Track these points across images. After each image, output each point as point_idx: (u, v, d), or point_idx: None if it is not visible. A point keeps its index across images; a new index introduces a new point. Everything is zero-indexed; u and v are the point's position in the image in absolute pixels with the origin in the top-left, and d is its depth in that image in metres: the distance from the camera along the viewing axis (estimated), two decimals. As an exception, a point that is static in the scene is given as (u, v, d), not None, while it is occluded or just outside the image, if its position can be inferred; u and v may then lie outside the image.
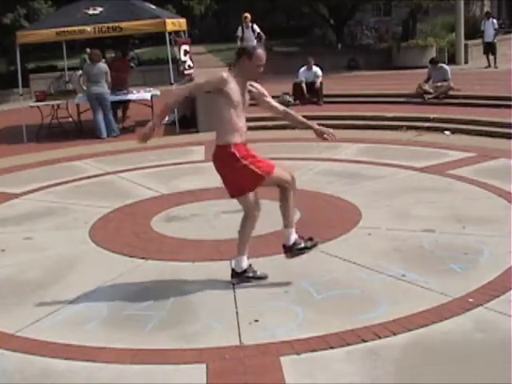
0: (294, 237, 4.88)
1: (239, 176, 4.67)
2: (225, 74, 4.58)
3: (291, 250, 4.90)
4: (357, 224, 6.21)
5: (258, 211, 4.85)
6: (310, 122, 5.01)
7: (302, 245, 4.89)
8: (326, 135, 4.93)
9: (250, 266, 4.95)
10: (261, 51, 4.63)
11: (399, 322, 4.16)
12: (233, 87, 4.57)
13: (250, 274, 4.92)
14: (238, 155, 4.59)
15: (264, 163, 4.72)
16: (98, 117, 12.16)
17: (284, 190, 4.78)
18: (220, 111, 4.62)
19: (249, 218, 4.83)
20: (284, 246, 4.93)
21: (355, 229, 6.10)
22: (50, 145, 11.72)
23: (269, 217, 6.58)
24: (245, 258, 4.91)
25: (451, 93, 12.85)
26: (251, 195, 4.77)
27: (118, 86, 12.69)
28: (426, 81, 13.31)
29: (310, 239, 4.93)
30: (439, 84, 13.03)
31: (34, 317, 4.56)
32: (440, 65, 13.46)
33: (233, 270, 4.93)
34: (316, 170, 8.61)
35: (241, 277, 4.90)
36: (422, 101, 12.87)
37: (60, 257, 5.80)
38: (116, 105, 13.13)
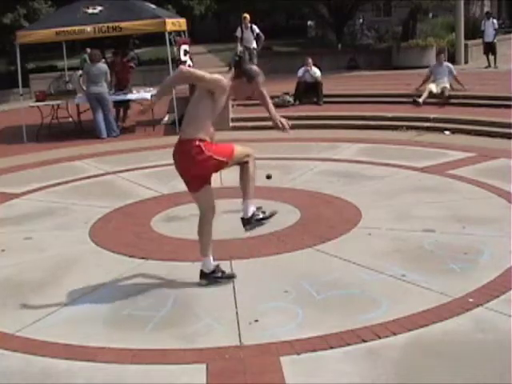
0: (252, 208, 4.87)
1: (201, 168, 4.71)
2: (226, 82, 4.66)
3: (250, 222, 4.90)
4: (357, 224, 6.21)
5: (213, 211, 4.88)
6: (272, 113, 5.06)
7: (261, 215, 4.90)
8: (280, 126, 5.04)
9: (218, 266, 4.96)
10: (261, 79, 4.77)
11: (399, 322, 4.16)
12: (224, 96, 4.69)
13: (219, 274, 4.94)
14: (203, 147, 4.63)
15: (225, 148, 4.78)
16: (97, 117, 12.16)
17: (244, 165, 4.82)
18: (199, 109, 4.66)
19: (205, 217, 4.88)
20: (242, 219, 4.92)
21: (355, 229, 6.10)
22: (50, 145, 11.71)
23: (269, 217, 6.61)
24: (210, 259, 4.92)
25: (451, 93, 12.82)
26: (210, 191, 4.83)
27: (119, 86, 12.69)
28: (425, 81, 13.23)
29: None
30: (446, 85, 12.88)
31: (34, 317, 4.56)
32: (445, 63, 13.37)
33: (201, 271, 4.94)
34: (316, 170, 8.61)
35: (209, 277, 4.92)
36: (415, 105, 12.65)
37: (60, 257, 5.80)
38: (118, 104, 13.14)
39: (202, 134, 4.65)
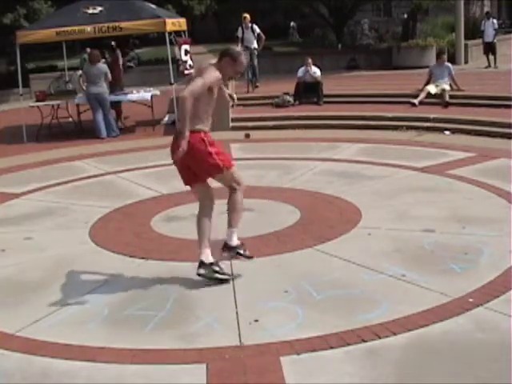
0: (235, 239, 4.98)
1: (200, 162, 4.82)
2: (217, 73, 4.79)
3: (231, 251, 5.00)
4: (357, 224, 6.21)
5: (212, 202, 5.01)
6: (226, 92, 5.36)
7: (241, 251, 5.01)
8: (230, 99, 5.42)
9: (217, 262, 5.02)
10: (243, 58, 4.95)
11: (399, 322, 4.16)
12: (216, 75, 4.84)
13: (217, 268, 4.98)
14: (206, 141, 4.81)
15: (226, 157, 4.97)
16: (97, 117, 12.17)
17: (233, 191, 4.92)
18: (198, 102, 4.74)
19: (204, 208, 4.99)
20: (225, 244, 5.00)
21: (355, 229, 6.10)
22: (50, 145, 11.72)
23: (268, 217, 6.62)
24: (209, 251, 4.96)
25: (451, 93, 12.82)
26: (206, 185, 4.97)
27: (111, 85, 12.65)
28: (427, 82, 13.22)
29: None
30: (446, 87, 12.86)
31: (34, 317, 4.55)
32: (445, 63, 13.36)
33: (201, 261, 4.96)
34: (316, 170, 8.61)
35: (209, 269, 4.95)
36: (411, 105, 12.64)
37: (60, 257, 5.80)
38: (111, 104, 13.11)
39: (204, 125, 4.84)
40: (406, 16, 23.87)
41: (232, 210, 4.95)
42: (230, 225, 4.98)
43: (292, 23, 33.54)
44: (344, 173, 8.27)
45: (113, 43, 13.69)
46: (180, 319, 4.42)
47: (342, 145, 10.10)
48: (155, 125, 12.55)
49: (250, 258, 5.09)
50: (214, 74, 4.75)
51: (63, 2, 14.87)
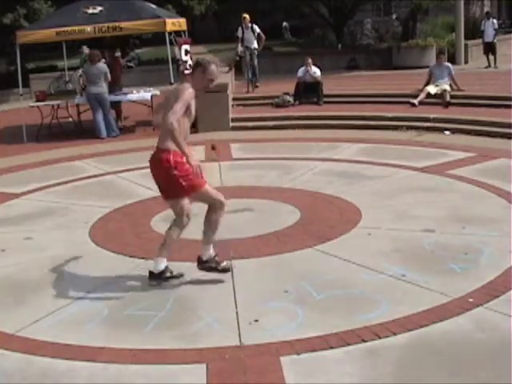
0: (209, 254, 5.00)
1: (169, 182, 4.82)
2: (190, 89, 4.74)
3: (203, 265, 5.03)
4: (357, 224, 6.21)
5: (188, 219, 4.93)
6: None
7: (213, 265, 5.02)
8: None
9: (167, 267, 5.00)
10: (214, 68, 4.83)
11: (399, 322, 4.16)
12: (193, 96, 4.79)
13: (168, 274, 4.99)
14: (171, 163, 4.73)
15: (195, 179, 4.79)
16: (97, 117, 12.16)
17: (212, 208, 4.91)
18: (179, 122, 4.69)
19: (178, 222, 4.95)
20: (199, 257, 5.04)
21: (355, 229, 6.10)
22: (50, 145, 11.71)
23: (268, 217, 6.62)
24: (165, 260, 4.97)
25: (452, 93, 12.81)
26: (185, 201, 4.88)
27: (110, 85, 12.63)
28: (427, 83, 13.21)
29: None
30: (446, 87, 12.85)
31: (34, 317, 4.55)
32: (445, 63, 13.36)
33: (151, 272, 4.98)
34: (316, 170, 8.61)
35: (158, 278, 4.97)
36: (411, 105, 12.64)
37: (60, 257, 5.80)
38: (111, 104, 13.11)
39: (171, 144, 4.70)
40: (395, 17, 23.95)
41: (208, 227, 4.96)
42: (205, 242, 5.00)
43: (284, 23, 33.47)
44: (344, 173, 8.27)
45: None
46: (180, 319, 4.42)
47: (341, 145, 10.10)
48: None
49: (225, 270, 5.06)
50: (187, 92, 4.71)
51: (63, 2, 14.87)
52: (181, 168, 4.74)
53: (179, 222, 4.92)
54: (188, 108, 4.74)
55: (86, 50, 14.81)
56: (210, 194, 4.89)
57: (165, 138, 4.75)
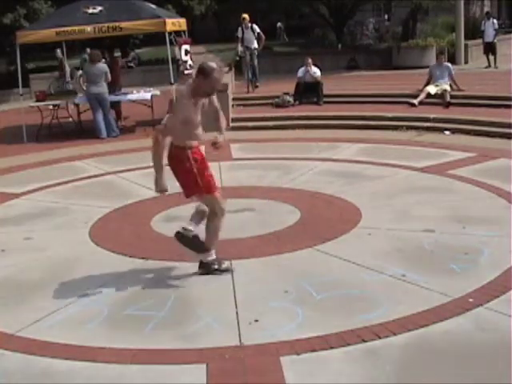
0: (209, 258, 5.08)
1: (188, 179, 4.92)
2: (184, 93, 4.83)
3: (204, 268, 5.11)
4: (357, 224, 6.21)
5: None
6: (222, 130, 5.20)
7: (216, 267, 5.11)
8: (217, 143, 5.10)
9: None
10: (217, 75, 4.82)
11: (399, 322, 4.16)
12: (185, 102, 4.81)
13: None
14: (191, 159, 4.87)
15: (211, 182, 4.95)
16: (97, 117, 12.16)
17: (213, 214, 5.00)
18: (186, 125, 4.84)
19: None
20: (200, 261, 5.12)
21: (355, 229, 6.10)
22: (50, 145, 11.71)
23: (268, 217, 6.62)
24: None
25: (451, 93, 12.81)
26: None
27: (109, 85, 12.63)
28: (427, 83, 13.19)
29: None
30: (446, 87, 12.84)
31: (34, 317, 4.55)
32: (445, 63, 13.35)
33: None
34: (316, 170, 8.61)
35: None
36: (410, 105, 12.65)
37: (60, 257, 5.80)
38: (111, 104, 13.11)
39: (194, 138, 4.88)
40: (387, 17, 24.02)
41: (208, 232, 5.03)
42: (208, 248, 5.07)
43: (279, 24, 33.43)
44: (344, 173, 8.27)
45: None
46: (180, 319, 4.42)
47: (341, 145, 10.10)
48: (155, 125, 12.52)
49: (226, 270, 5.14)
50: (178, 99, 4.79)
51: (63, 2, 14.86)
52: (200, 166, 4.85)
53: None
54: (195, 104, 4.79)
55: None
56: (218, 202, 4.96)
57: (182, 136, 4.83)
